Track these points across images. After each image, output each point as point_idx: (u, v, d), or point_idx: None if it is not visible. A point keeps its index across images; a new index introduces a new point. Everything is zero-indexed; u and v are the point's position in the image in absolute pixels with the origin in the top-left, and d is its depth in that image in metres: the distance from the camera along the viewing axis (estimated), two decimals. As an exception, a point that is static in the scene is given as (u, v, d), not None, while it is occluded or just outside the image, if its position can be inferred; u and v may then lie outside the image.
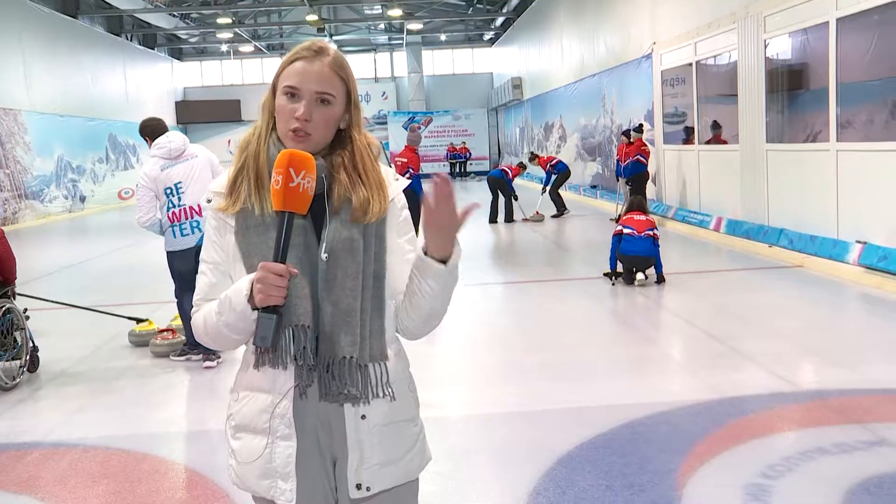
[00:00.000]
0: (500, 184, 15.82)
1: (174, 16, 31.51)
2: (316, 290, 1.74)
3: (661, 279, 8.67)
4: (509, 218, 15.77)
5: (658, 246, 8.61)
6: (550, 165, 16.95)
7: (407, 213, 1.88)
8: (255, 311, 1.67)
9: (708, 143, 12.97)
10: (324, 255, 1.74)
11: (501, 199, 15.83)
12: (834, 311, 7.53)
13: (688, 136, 14.40)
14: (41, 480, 4.05)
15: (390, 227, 1.83)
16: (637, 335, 6.90)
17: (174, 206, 5.95)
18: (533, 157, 18.39)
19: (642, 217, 8.80)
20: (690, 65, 13.98)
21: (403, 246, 1.84)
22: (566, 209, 16.74)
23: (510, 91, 31.83)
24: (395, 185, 1.87)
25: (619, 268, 8.79)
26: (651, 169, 14.96)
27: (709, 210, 13.11)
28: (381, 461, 1.81)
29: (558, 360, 5.97)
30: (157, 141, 6.10)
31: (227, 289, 1.75)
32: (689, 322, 7.08)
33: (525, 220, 15.80)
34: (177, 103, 37.09)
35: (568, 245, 12.70)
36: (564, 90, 23.76)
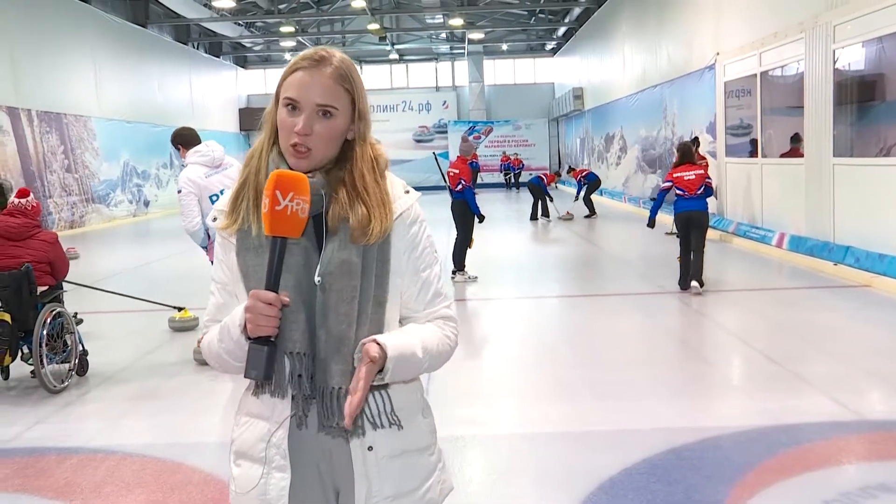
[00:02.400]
0: (538, 189, 18.65)
1: (239, 24, 32.11)
2: (314, 315, 1.63)
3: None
4: (545, 214, 18.67)
5: (708, 197, 9.03)
6: (582, 176, 20.35)
7: (418, 228, 1.74)
8: (248, 341, 1.58)
9: (784, 156, 12.53)
10: (317, 279, 1.63)
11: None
12: (902, 335, 7.16)
13: (753, 149, 14.00)
14: (77, 487, 4.05)
15: (396, 248, 1.70)
16: (690, 354, 6.66)
17: (222, 214, 5.94)
18: (569, 169, 22.93)
19: (692, 175, 8.93)
20: (755, 76, 13.59)
21: (415, 264, 1.73)
22: (595, 213, 19.52)
23: (571, 101, 31.55)
24: (404, 199, 1.74)
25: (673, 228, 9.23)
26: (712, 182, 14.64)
27: (771, 225, 12.70)
28: (392, 494, 1.69)
29: (606, 379, 5.78)
30: (197, 148, 6.13)
31: (231, 309, 1.68)
32: (746, 342, 6.81)
33: (560, 217, 18.75)
34: (240, 110, 37.75)
35: (624, 258, 12.43)
36: (626, 101, 23.43)
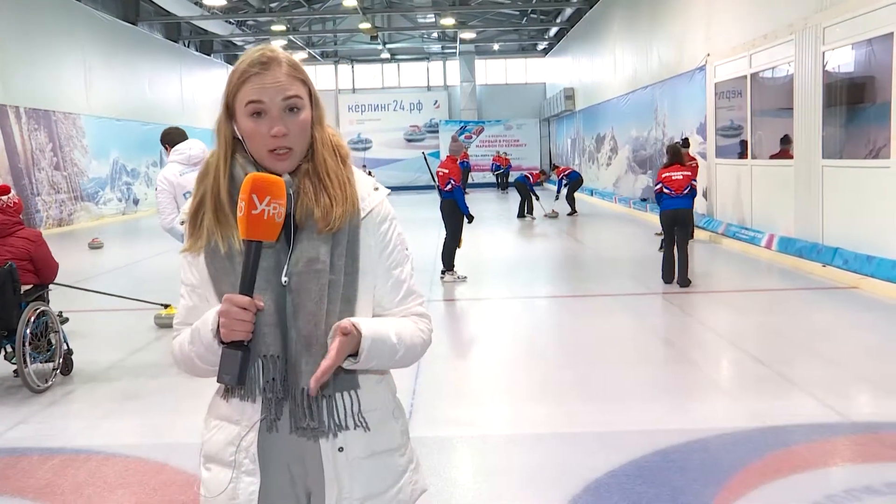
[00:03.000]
0: (523, 187, 19.37)
1: (230, 23, 32.00)
2: (285, 316, 1.61)
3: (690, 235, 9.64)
4: (530, 212, 19.44)
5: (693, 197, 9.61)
6: (564, 175, 20.85)
7: (388, 226, 1.72)
8: (222, 346, 1.55)
9: (774, 157, 12.56)
10: (284, 279, 1.61)
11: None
12: (890, 337, 7.16)
13: (743, 150, 14.02)
14: (58, 488, 4.00)
15: (366, 245, 1.67)
16: (678, 355, 6.65)
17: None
18: (553, 167, 24.52)
19: (680, 175, 9.41)
20: (745, 77, 13.62)
21: (386, 262, 1.71)
22: (576, 211, 20.24)
23: (562, 102, 31.56)
24: (373, 196, 1.72)
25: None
26: (701, 184, 14.71)
27: (761, 227, 12.72)
28: (362, 496, 1.67)
29: (595, 379, 5.77)
30: (177, 147, 6.15)
31: (202, 312, 1.65)
32: (734, 343, 6.81)
33: (545, 215, 19.38)
34: (232, 109, 37.58)
35: (613, 259, 12.43)
36: (617, 102, 23.45)
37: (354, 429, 1.65)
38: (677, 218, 9.33)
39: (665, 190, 9.41)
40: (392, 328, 1.64)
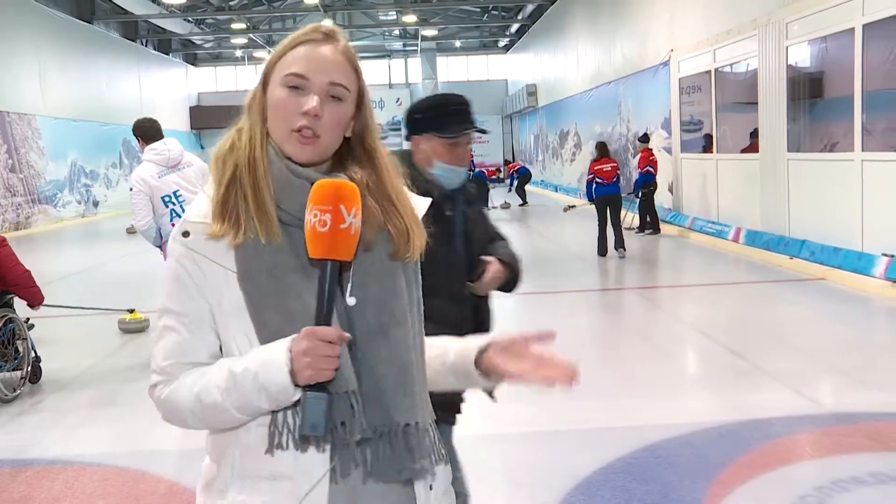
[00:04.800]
0: (480, 181, 21.29)
1: (189, 21, 31.57)
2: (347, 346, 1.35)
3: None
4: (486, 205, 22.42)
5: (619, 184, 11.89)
6: (514, 170, 24.06)
7: None
8: (298, 391, 1.29)
9: (745, 150, 12.71)
10: (350, 300, 1.37)
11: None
12: (860, 327, 7.28)
13: (708, 145, 14.17)
14: (34, 501, 3.88)
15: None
16: (655, 351, 6.67)
17: (178, 216, 5.78)
18: (506, 162, 28.17)
19: (608, 167, 11.66)
20: (709, 72, 13.75)
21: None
22: (526, 202, 22.51)
23: (525, 98, 31.66)
24: (421, 206, 1.52)
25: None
26: (667, 178, 14.90)
27: (728, 220, 12.86)
28: None
29: (585, 377, 5.75)
30: (154, 146, 5.96)
31: (207, 348, 1.37)
32: (709, 336, 6.85)
33: (500, 206, 21.06)
34: (191, 108, 37.16)
35: (581, 254, 12.47)
36: (580, 97, 23.57)
37: (445, 463, 1.48)
38: (609, 201, 11.52)
39: (597, 180, 11.60)
40: None
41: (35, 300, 5.76)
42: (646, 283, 9.29)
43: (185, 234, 1.37)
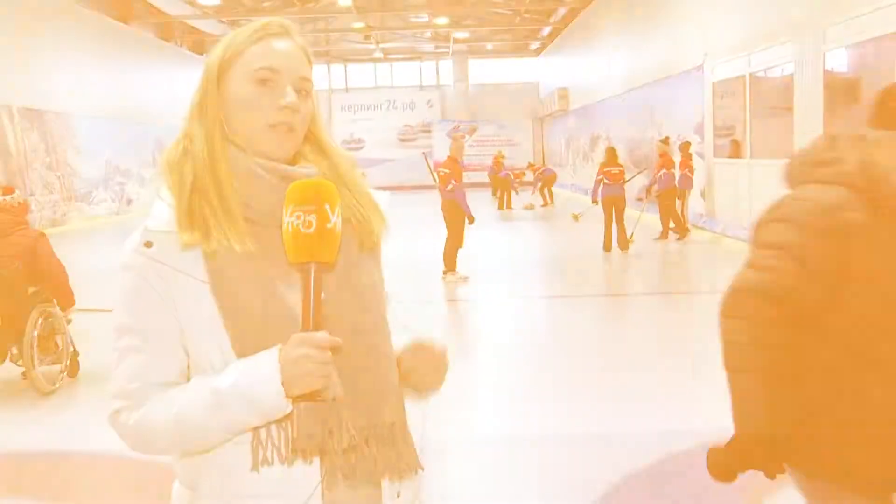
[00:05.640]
0: (505, 183, 22.89)
1: (223, 22, 31.89)
2: None
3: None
4: (509, 206, 22.67)
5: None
6: (539, 172, 25.45)
7: None
8: (296, 402, 1.24)
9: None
10: (329, 299, 1.28)
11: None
12: None
13: (733, 150, 14.07)
14: (74, 491, 3.96)
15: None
16: (687, 354, 6.63)
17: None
18: (529, 165, 29.25)
19: (616, 170, 12.72)
20: (743, 77, 13.64)
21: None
22: (550, 203, 23.84)
23: (556, 101, 31.59)
24: (382, 199, 1.47)
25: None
26: (699, 183, 14.85)
27: (760, 226, 12.72)
28: None
29: (604, 382, 5.75)
30: None
31: (177, 365, 1.29)
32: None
33: (523, 208, 22.20)
34: (224, 109, 37.47)
35: (611, 259, 12.43)
36: (612, 101, 23.47)
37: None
38: (615, 201, 12.56)
39: (605, 181, 12.68)
40: None
41: (65, 303, 5.84)
42: (669, 290, 9.24)
43: (148, 244, 1.29)
